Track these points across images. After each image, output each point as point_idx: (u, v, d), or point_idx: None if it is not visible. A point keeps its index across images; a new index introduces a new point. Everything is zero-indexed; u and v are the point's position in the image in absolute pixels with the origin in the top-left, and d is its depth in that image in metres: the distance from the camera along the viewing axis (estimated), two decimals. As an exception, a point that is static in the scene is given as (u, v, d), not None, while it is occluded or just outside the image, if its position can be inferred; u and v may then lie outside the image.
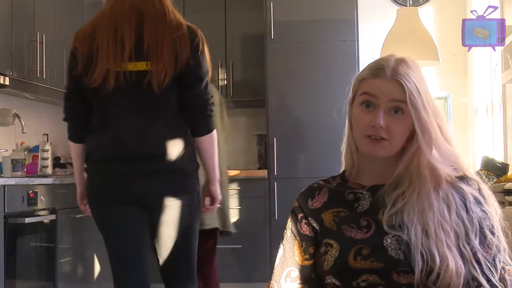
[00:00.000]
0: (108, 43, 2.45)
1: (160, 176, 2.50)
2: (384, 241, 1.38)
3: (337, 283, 1.41)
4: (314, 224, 1.49)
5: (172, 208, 2.53)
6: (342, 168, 1.58)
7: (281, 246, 1.54)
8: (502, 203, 2.72)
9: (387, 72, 1.43)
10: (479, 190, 1.46)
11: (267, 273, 4.71)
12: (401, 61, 1.45)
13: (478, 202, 1.44)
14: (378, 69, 1.45)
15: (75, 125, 2.63)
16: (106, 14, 2.51)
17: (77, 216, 3.86)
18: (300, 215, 1.52)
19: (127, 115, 2.50)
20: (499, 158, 3.97)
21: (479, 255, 1.37)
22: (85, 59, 2.47)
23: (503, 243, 1.42)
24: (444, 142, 1.45)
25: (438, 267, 1.33)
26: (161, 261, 2.63)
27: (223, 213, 3.64)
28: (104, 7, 2.56)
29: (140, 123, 2.48)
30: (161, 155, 2.49)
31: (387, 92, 1.43)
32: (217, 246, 5.09)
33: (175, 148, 2.51)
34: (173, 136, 2.52)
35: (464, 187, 1.45)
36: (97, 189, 2.58)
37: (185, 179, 2.57)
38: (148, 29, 2.46)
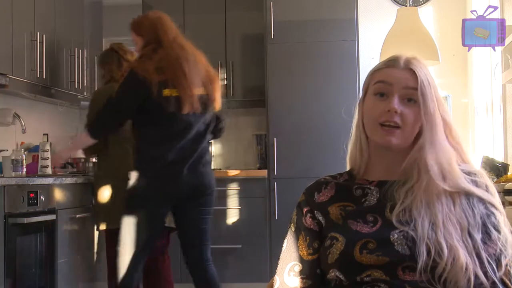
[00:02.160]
0: (180, 75, 3.28)
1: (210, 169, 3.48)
2: (391, 236, 1.38)
3: (340, 276, 1.40)
4: (320, 218, 1.49)
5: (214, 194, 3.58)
6: (347, 168, 1.58)
7: (285, 240, 1.53)
8: (502, 203, 2.72)
9: (400, 62, 1.49)
10: (487, 188, 1.47)
11: (267, 273, 4.71)
12: (412, 56, 1.51)
13: (482, 200, 1.45)
14: (391, 60, 1.51)
15: (113, 128, 3.45)
16: (171, 56, 3.33)
17: (77, 216, 3.86)
18: (305, 209, 1.52)
19: (186, 129, 3.35)
20: (499, 158, 3.97)
21: (482, 252, 1.38)
22: (156, 87, 3.25)
23: (510, 239, 1.42)
24: (444, 139, 1.46)
25: (446, 258, 1.33)
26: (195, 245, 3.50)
27: None
28: (165, 52, 3.34)
29: (195, 134, 3.36)
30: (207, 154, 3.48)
31: (401, 79, 1.46)
32: (218, 246, 5.12)
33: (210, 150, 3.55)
34: (209, 142, 3.50)
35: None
36: (160, 189, 3.32)
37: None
38: (201, 67, 3.40)
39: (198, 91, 3.34)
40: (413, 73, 1.46)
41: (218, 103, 3.44)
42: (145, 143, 3.37)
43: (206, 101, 3.38)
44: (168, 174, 3.33)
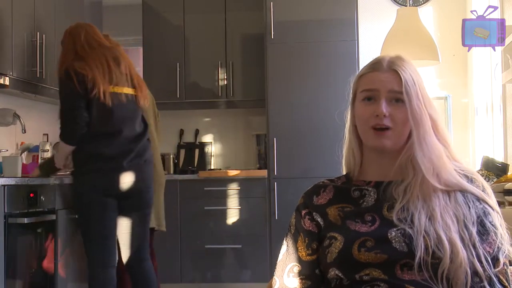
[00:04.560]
0: (105, 73, 3.34)
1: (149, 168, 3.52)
2: (389, 234, 1.40)
3: (340, 275, 1.42)
4: (319, 219, 1.51)
5: None
6: (344, 173, 1.60)
7: (284, 242, 1.55)
8: (502, 203, 2.72)
9: (383, 64, 1.50)
10: (483, 189, 1.48)
11: (267, 273, 4.71)
12: (396, 56, 1.53)
13: (478, 200, 1.46)
14: (374, 63, 1.53)
15: (83, 131, 3.31)
16: (100, 56, 3.39)
17: (77, 216, 3.85)
18: (304, 211, 1.54)
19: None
20: (499, 158, 3.96)
21: (477, 244, 1.39)
22: (91, 83, 3.29)
23: (506, 238, 1.43)
24: (433, 136, 1.48)
25: (447, 252, 1.35)
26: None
27: (158, 213, 3.94)
28: (93, 52, 3.39)
29: (133, 130, 3.43)
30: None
31: (385, 82, 1.48)
32: (218, 246, 5.10)
33: None
34: (148, 140, 3.57)
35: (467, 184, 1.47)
36: (102, 183, 3.33)
37: None
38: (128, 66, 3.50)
39: (128, 89, 3.45)
40: (398, 74, 1.48)
41: (147, 100, 3.57)
42: (81, 141, 3.36)
43: (137, 99, 3.48)
44: (107, 168, 3.34)
